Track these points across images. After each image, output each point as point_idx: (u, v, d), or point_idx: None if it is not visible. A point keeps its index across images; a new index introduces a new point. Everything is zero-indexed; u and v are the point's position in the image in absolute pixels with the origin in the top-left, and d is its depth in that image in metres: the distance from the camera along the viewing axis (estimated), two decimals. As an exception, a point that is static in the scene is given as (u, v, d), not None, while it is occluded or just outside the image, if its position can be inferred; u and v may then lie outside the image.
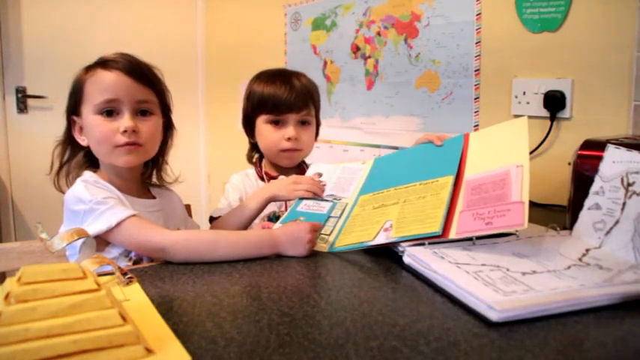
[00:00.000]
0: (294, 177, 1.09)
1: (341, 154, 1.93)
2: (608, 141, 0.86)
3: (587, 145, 0.94)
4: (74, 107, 0.95)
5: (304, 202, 1.03)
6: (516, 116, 1.27)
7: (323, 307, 0.63)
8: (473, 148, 0.98)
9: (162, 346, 0.50)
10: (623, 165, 0.77)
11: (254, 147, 1.29)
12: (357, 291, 0.68)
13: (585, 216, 0.81)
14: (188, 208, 1.25)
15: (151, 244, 0.82)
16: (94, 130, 0.91)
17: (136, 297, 0.64)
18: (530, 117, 1.32)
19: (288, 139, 1.17)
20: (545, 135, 1.31)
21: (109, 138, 0.91)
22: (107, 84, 0.91)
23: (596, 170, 0.81)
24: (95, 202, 0.86)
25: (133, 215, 0.85)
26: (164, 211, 1.03)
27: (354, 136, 1.88)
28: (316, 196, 1.04)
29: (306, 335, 0.54)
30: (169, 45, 2.61)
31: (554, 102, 1.29)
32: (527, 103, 1.35)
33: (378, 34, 1.75)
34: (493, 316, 0.56)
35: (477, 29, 1.46)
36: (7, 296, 0.46)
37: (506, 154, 0.89)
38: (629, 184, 0.75)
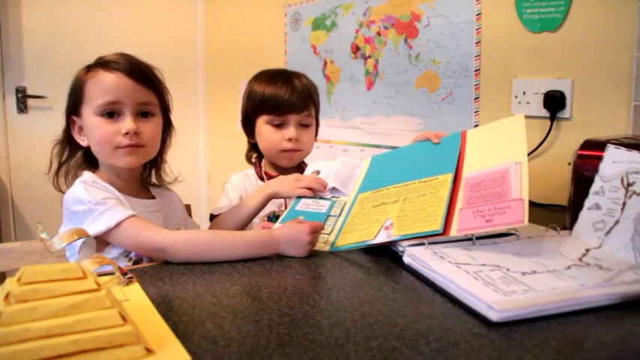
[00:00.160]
0: (295, 174, 1.09)
1: (341, 154, 1.93)
2: (608, 141, 0.86)
3: (587, 145, 0.94)
4: (74, 107, 0.95)
5: (303, 200, 1.03)
6: (516, 116, 1.27)
7: (323, 307, 0.63)
8: (471, 146, 0.98)
9: (162, 346, 0.50)
10: (623, 165, 0.77)
11: (253, 147, 1.29)
12: (357, 291, 0.68)
13: (585, 216, 0.81)
14: (188, 208, 1.25)
15: (150, 244, 0.82)
16: (95, 131, 0.91)
17: (136, 297, 0.64)
18: (530, 117, 1.33)
19: (289, 139, 1.17)
20: (545, 135, 1.31)
21: (111, 139, 0.91)
22: (108, 85, 0.90)
23: (596, 170, 0.81)
24: (94, 203, 0.86)
25: (133, 215, 0.85)
26: (164, 211, 1.03)
27: (354, 136, 1.88)
28: (317, 192, 1.04)
29: (306, 335, 0.54)
30: (169, 45, 2.61)
31: (554, 102, 1.29)
32: (527, 103, 1.35)
33: (378, 34, 1.75)
34: (493, 316, 0.56)
35: (477, 29, 1.46)
36: (7, 296, 0.46)
37: (504, 151, 0.89)
38: (629, 184, 0.75)
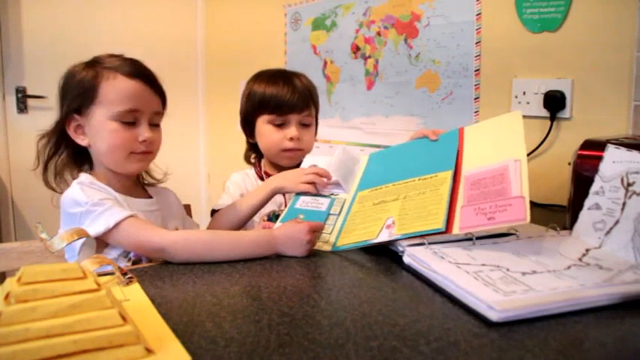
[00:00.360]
0: (299, 169, 1.09)
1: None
2: (608, 141, 0.86)
3: (587, 145, 0.94)
4: (79, 105, 0.92)
5: (302, 198, 1.03)
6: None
7: (323, 307, 0.63)
8: (469, 143, 0.98)
9: (162, 346, 0.50)
10: (623, 165, 0.77)
11: (252, 147, 1.28)
12: (357, 291, 0.68)
13: (585, 216, 0.81)
14: (188, 208, 1.25)
15: (150, 244, 0.82)
16: (111, 135, 0.91)
17: (136, 297, 0.64)
18: (530, 117, 1.34)
19: (291, 139, 1.18)
20: (545, 135, 1.31)
21: (127, 146, 0.93)
22: (131, 93, 0.92)
23: (596, 170, 0.81)
24: (92, 204, 0.85)
25: (131, 216, 0.85)
26: (161, 209, 1.03)
27: (354, 136, 1.88)
28: (320, 189, 1.04)
29: (306, 335, 0.54)
30: (169, 45, 2.61)
31: (554, 102, 1.29)
32: (527, 103, 1.35)
33: (378, 34, 1.75)
34: (493, 316, 0.56)
35: (477, 29, 1.46)
36: (7, 296, 0.46)
37: (503, 148, 0.89)
38: (629, 184, 0.75)
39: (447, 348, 0.51)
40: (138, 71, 0.94)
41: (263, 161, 1.28)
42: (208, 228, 1.12)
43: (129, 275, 0.69)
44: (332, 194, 1.04)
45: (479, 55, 1.46)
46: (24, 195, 2.35)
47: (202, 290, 0.69)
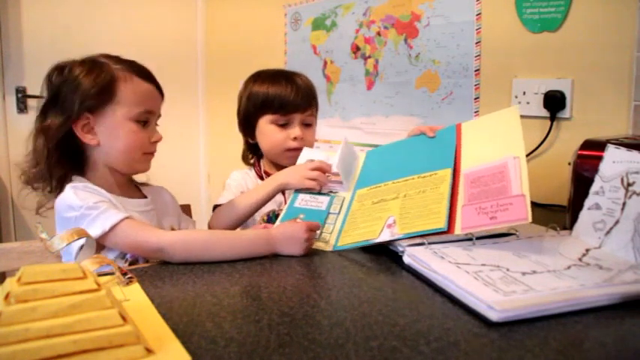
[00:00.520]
0: (303, 164, 1.08)
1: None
2: (608, 141, 0.86)
3: (587, 145, 0.94)
4: (93, 105, 0.91)
5: (301, 196, 1.03)
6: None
7: (323, 307, 0.63)
8: (467, 139, 0.98)
9: (162, 346, 0.50)
10: (623, 165, 0.77)
11: (251, 147, 1.28)
12: (357, 291, 0.68)
13: (585, 216, 0.81)
14: (188, 208, 1.25)
15: (147, 244, 0.82)
16: (130, 136, 0.93)
17: (136, 297, 0.64)
18: (530, 117, 1.34)
19: (294, 138, 1.18)
20: (545, 135, 1.31)
21: (142, 146, 0.96)
22: (147, 95, 0.95)
23: (596, 170, 0.81)
24: (86, 208, 0.85)
25: (127, 217, 0.85)
26: (156, 209, 1.03)
27: (354, 136, 1.88)
28: (323, 187, 1.03)
29: (306, 335, 0.54)
30: (169, 45, 2.61)
31: (554, 102, 1.29)
32: (527, 103, 1.35)
33: (378, 34, 1.75)
34: (493, 316, 0.56)
35: (477, 29, 1.46)
36: (7, 296, 0.46)
37: (501, 144, 0.89)
38: (629, 184, 0.75)
39: (447, 348, 0.51)
40: (148, 74, 0.97)
41: (262, 161, 1.28)
42: (210, 223, 1.12)
43: (129, 275, 0.69)
44: (331, 192, 1.04)
45: (479, 55, 1.46)
46: (24, 195, 2.34)
47: (202, 290, 0.69)
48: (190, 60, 2.71)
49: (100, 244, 0.87)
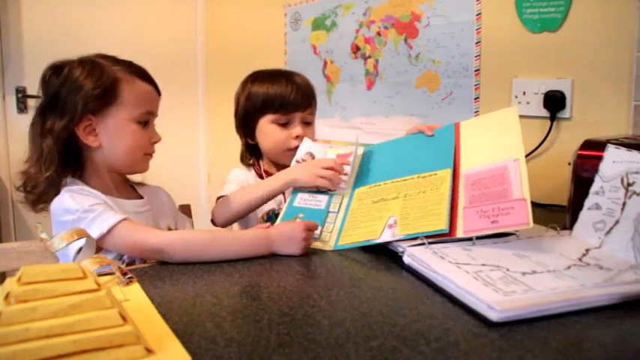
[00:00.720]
0: (315, 161, 1.07)
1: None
2: (608, 141, 0.86)
3: (587, 145, 0.94)
4: (95, 106, 0.90)
5: (300, 195, 1.03)
6: (516, 116, 1.27)
7: (323, 307, 0.63)
8: (466, 139, 0.98)
9: (162, 346, 0.50)
10: (623, 165, 0.77)
11: (250, 148, 1.28)
12: (357, 291, 0.68)
13: (585, 216, 0.81)
14: (188, 207, 1.25)
15: (146, 245, 0.82)
16: (132, 137, 0.94)
17: (136, 297, 0.64)
18: (530, 117, 1.33)
19: (296, 137, 1.18)
20: (545, 135, 1.31)
21: (144, 147, 0.97)
22: (148, 96, 0.96)
23: (596, 170, 0.81)
24: (82, 211, 0.85)
25: (124, 219, 0.85)
26: (153, 209, 1.03)
27: (354, 136, 1.88)
28: (337, 186, 1.02)
29: (306, 335, 0.54)
30: (169, 45, 2.61)
31: (554, 102, 1.29)
32: (527, 103, 1.35)
33: (378, 34, 1.75)
34: (493, 316, 0.56)
35: (477, 29, 1.46)
36: (7, 296, 0.46)
37: (500, 144, 0.89)
38: (629, 184, 0.75)
39: (447, 348, 0.51)
40: (147, 75, 0.98)
41: (262, 161, 1.27)
42: (214, 212, 1.12)
43: (129, 275, 0.69)
44: (329, 190, 1.03)
45: (479, 55, 1.46)
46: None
47: (202, 290, 0.69)
48: (190, 60, 2.71)
49: (97, 247, 0.86)
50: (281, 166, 1.24)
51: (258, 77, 1.23)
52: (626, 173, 0.76)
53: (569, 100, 1.27)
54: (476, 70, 1.48)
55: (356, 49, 1.84)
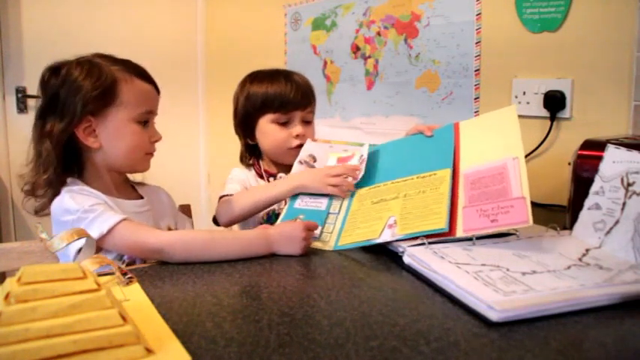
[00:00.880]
0: (326, 168, 1.06)
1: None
2: (608, 141, 0.86)
3: (587, 145, 0.94)
4: (95, 107, 0.90)
5: (301, 197, 1.03)
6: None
7: (323, 307, 0.63)
8: (465, 139, 0.98)
9: (162, 346, 0.50)
10: (623, 165, 0.77)
11: (250, 148, 1.28)
12: (357, 291, 0.68)
13: (585, 216, 0.81)
14: (188, 207, 1.25)
15: (146, 245, 0.82)
16: (133, 137, 0.94)
17: (136, 297, 0.64)
18: (530, 117, 1.33)
19: (297, 136, 1.18)
20: (545, 135, 1.31)
21: (145, 146, 0.97)
22: (147, 95, 0.96)
23: (596, 170, 0.81)
24: (83, 211, 0.85)
25: (124, 219, 0.85)
26: (153, 209, 1.03)
27: (354, 136, 1.88)
28: (346, 194, 1.01)
29: (306, 335, 0.54)
30: (169, 45, 2.61)
31: (554, 102, 1.29)
32: (527, 103, 1.35)
33: (378, 34, 1.75)
34: (493, 316, 0.56)
35: (477, 29, 1.46)
36: (7, 296, 0.46)
37: (500, 144, 0.89)
38: (629, 184, 0.75)
39: (447, 348, 0.51)
40: (146, 74, 0.97)
41: (262, 161, 1.27)
42: (218, 212, 1.12)
43: (129, 275, 0.69)
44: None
45: (479, 55, 1.46)
46: (23, 196, 2.34)
47: (202, 290, 0.69)
48: (190, 60, 2.71)
49: (97, 247, 0.86)
50: (281, 166, 1.24)
51: (256, 77, 1.22)
52: (626, 173, 0.76)
53: (569, 100, 1.27)
54: (476, 70, 1.48)
55: (356, 49, 1.84)
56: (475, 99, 1.49)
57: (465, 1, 1.48)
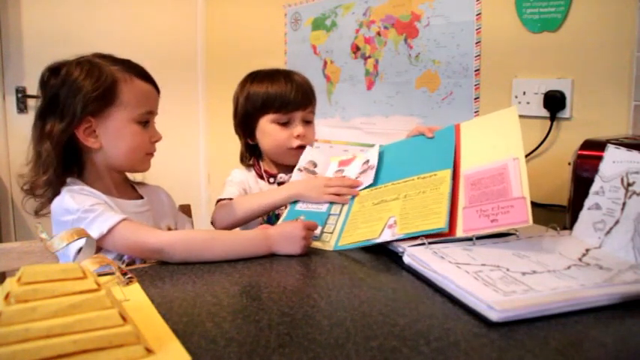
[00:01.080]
0: (325, 179, 1.06)
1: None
2: (608, 141, 0.86)
3: (587, 145, 0.94)
4: (95, 108, 0.90)
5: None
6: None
7: (323, 307, 0.63)
8: (466, 140, 0.98)
9: (162, 346, 0.50)
10: (623, 165, 0.77)
11: (250, 148, 1.28)
12: (357, 291, 0.68)
13: (585, 216, 0.81)
14: (188, 207, 1.25)
15: (146, 245, 0.82)
16: (133, 138, 0.94)
17: (136, 297, 0.64)
18: (530, 117, 1.34)
19: (297, 136, 1.18)
20: (545, 135, 1.31)
21: (145, 147, 0.97)
22: (148, 95, 0.96)
23: (596, 170, 0.81)
24: (83, 211, 0.85)
25: (125, 219, 0.85)
26: (153, 209, 1.03)
27: (354, 136, 1.88)
28: (345, 201, 1.01)
29: (306, 335, 0.54)
30: (169, 44, 2.61)
31: (554, 102, 1.29)
32: (527, 103, 1.35)
33: (378, 34, 1.75)
34: (493, 316, 0.56)
35: (477, 29, 1.46)
36: (7, 296, 0.46)
37: (500, 145, 0.89)
38: (629, 184, 0.75)
39: (447, 348, 0.51)
40: (146, 73, 0.97)
41: (262, 161, 1.27)
42: (214, 217, 1.12)
43: (129, 275, 0.69)
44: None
45: (479, 55, 1.46)
46: (23, 197, 2.34)
47: (202, 290, 0.69)
48: (190, 60, 2.71)
49: (97, 247, 0.86)
50: (281, 166, 1.24)
51: (256, 77, 1.22)
52: (626, 173, 0.76)
53: (569, 100, 1.28)
54: (476, 70, 1.48)
55: (356, 49, 1.84)
56: (475, 99, 1.49)
57: (465, 1, 1.48)
